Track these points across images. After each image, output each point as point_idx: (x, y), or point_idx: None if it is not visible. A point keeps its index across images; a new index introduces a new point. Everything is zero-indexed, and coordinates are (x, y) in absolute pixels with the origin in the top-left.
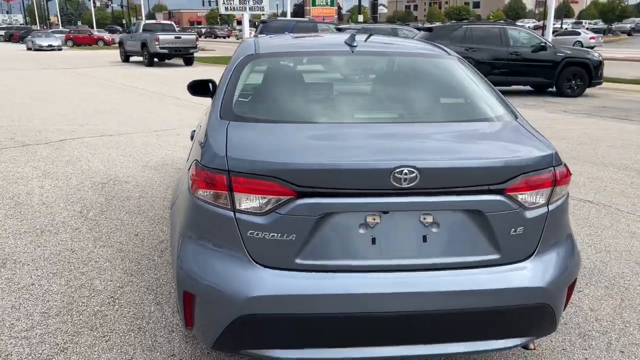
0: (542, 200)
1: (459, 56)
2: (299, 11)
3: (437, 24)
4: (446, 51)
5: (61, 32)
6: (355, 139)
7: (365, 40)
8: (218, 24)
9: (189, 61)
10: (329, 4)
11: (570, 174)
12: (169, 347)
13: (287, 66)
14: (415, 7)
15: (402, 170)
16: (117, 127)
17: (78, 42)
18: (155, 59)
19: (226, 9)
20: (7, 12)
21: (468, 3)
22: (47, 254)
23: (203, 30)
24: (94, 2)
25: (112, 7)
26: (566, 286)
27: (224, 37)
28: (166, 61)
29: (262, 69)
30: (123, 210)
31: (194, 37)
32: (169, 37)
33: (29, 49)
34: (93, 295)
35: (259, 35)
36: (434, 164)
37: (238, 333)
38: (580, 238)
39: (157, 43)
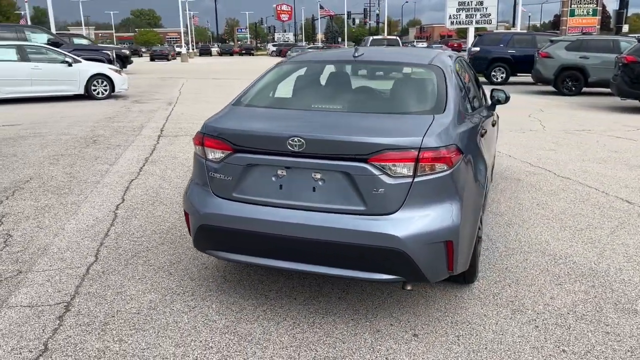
0: (407, 172)
1: (442, 67)
2: (557, 22)
3: None
4: (431, 62)
5: (317, 47)
6: (283, 119)
7: (370, 52)
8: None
9: None
10: (591, 13)
11: (445, 158)
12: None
13: (299, 70)
14: None
15: (294, 139)
16: None
17: None
18: None
19: (452, 23)
20: (284, 31)
21: None
22: (181, 200)
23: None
24: (353, 20)
25: (369, 24)
26: (427, 243)
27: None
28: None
29: (282, 72)
30: None
31: None
32: None
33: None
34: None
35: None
36: (314, 137)
37: (201, 237)
38: (612, 246)
39: None
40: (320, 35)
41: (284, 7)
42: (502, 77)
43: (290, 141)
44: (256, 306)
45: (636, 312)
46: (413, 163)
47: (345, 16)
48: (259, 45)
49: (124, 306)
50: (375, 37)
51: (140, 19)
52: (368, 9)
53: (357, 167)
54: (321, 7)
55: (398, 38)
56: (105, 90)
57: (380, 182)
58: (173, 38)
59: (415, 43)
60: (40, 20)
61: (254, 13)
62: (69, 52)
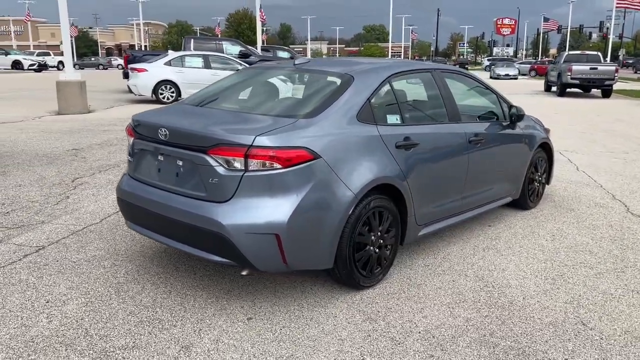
0: (239, 166)
1: (355, 76)
2: None
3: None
4: (348, 72)
5: (529, 62)
6: (173, 113)
7: (315, 61)
8: None
9: (606, 93)
10: None
11: (278, 158)
12: None
13: (247, 75)
14: None
15: (162, 129)
16: None
17: (540, 72)
18: (576, 90)
19: None
20: (507, 45)
21: None
22: None
23: None
24: (590, 35)
25: (611, 38)
26: (251, 233)
27: None
28: (592, 92)
29: (236, 76)
30: None
31: (613, 68)
32: (583, 68)
33: (491, 77)
34: None
35: None
36: (173, 128)
37: (119, 207)
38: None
39: (569, 74)
40: (553, 51)
41: (506, 21)
42: None
43: (159, 131)
44: (160, 274)
45: (494, 346)
46: (243, 158)
47: (569, 29)
48: (476, 59)
49: (71, 256)
50: (572, 52)
51: (371, 34)
52: (611, 22)
53: (200, 158)
54: (545, 20)
55: (599, 54)
56: None
57: (215, 172)
58: (396, 52)
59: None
60: (284, 35)
61: (473, 27)
62: (255, 61)
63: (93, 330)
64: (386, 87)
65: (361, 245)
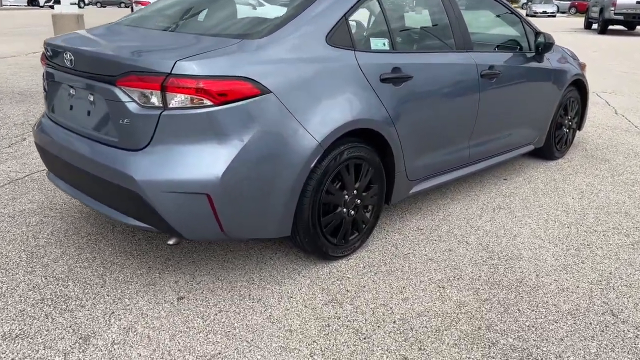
0: (156, 102)
1: None
2: None
3: None
4: None
5: None
6: (93, 35)
7: None
8: None
9: None
10: None
11: (207, 90)
12: None
13: None
14: None
15: (67, 53)
16: None
17: (581, 9)
18: (619, 27)
19: None
20: None
21: None
22: None
23: None
24: None
25: None
26: (173, 192)
27: None
28: (638, 29)
29: None
30: None
31: None
32: (630, 2)
33: (527, 15)
34: None
35: None
36: (79, 51)
37: (40, 155)
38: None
39: (612, 8)
40: None
41: None
42: None
43: (65, 55)
44: (91, 235)
45: (490, 345)
46: (159, 91)
47: None
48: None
49: (21, 207)
50: None
51: None
52: None
53: (109, 91)
54: None
55: None
56: None
57: (127, 110)
58: None
59: None
60: None
61: None
62: None
63: None
64: (372, 2)
65: (330, 207)
